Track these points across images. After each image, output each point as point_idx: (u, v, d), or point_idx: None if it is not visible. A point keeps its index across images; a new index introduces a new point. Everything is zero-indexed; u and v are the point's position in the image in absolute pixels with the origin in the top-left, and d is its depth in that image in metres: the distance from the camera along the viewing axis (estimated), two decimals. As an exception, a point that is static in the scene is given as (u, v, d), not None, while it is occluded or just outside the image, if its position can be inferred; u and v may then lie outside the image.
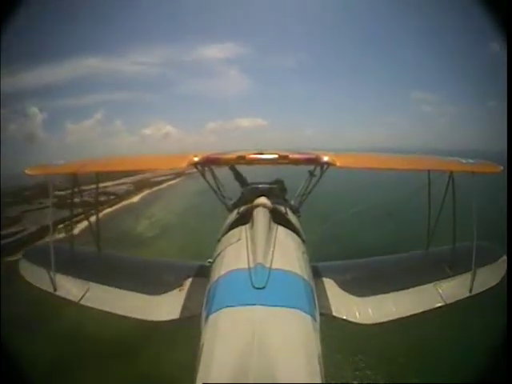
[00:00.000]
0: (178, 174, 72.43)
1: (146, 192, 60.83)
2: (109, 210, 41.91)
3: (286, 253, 3.11)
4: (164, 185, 70.17)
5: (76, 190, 4.73)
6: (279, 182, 5.42)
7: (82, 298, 3.89)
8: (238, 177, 5.52)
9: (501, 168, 3.84)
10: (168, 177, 72.18)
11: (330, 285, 3.91)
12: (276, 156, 3.94)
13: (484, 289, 3.78)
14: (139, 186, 60.60)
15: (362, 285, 3.97)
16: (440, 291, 3.84)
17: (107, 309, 3.84)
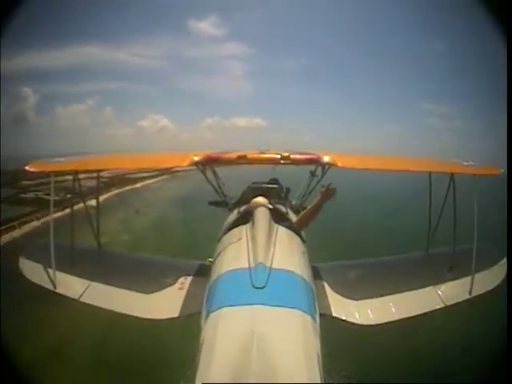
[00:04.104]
0: (161, 173, 62.26)
1: (112, 192, 46.67)
2: (40, 220, 31.61)
3: (287, 253, 3.12)
4: (139, 184, 57.76)
5: (77, 189, 4.72)
6: (273, 181, 5.46)
7: (81, 295, 3.89)
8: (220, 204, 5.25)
9: (501, 170, 3.87)
10: (147, 174, 60.77)
11: (329, 285, 3.91)
12: (278, 156, 3.96)
13: (484, 291, 3.79)
14: (108, 184, 46.55)
15: (361, 286, 3.98)
16: (440, 293, 3.84)
17: (107, 306, 3.84)
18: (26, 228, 32.63)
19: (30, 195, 44.80)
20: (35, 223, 33.25)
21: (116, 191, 49.45)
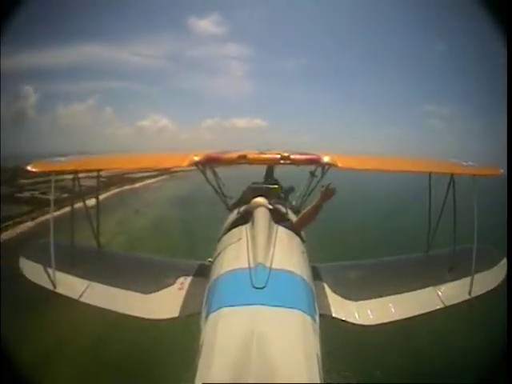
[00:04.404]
0: (160, 173, 62.25)
1: (111, 192, 46.44)
2: (35, 221, 31.89)
3: (287, 253, 3.11)
4: (137, 184, 57.29)
5: (77, 188, 4.72)
6: (273, 181, 5.46)
7: (81, 295, 3.88)
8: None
9: (501, 171, 3.86)
10: (146, 174, 60.73)
11: (329, 285, 3.91)
12: (278, 156, 3.96)
13: (483, 291, 3.78)
14: (108, 183, 46.34)
15: (361, 286, 3.97)
16: (439, 293, 3.83)
17: (107, 306, 3.83)
18: (20, 228, 32.26)
19: (26, 194, 44.17)
20: (29, 224, 32.99)
21: (115, 191, 48.69)
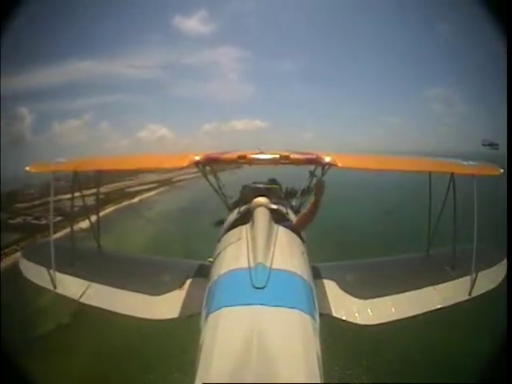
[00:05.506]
0: (160, 184, 61.84)
1: (108, 210, 44.38)
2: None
3: (287, 253, 3.12)
4: (136, 199, 55.18)
5: (77, 189, 4.72)
6: (271, 181, 5.46)
7: (81, 295, 3.89)
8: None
9: (501, 171, 3.86)
10: (147, 187, 59.78)
11: (329, 285, 3.92)
12: (277, 156, 3.97)
13: (483, 291, 3.79)
14: (106, 200, 43.88)
15: (361, 286, 3.98)
16: (440, 293, 3.85)
17: (107, 307, 3.84)
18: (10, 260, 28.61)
19: (19, 220, 40.81)
20: (19, 254, 30.35)
21: (112, 208, 47.11)
